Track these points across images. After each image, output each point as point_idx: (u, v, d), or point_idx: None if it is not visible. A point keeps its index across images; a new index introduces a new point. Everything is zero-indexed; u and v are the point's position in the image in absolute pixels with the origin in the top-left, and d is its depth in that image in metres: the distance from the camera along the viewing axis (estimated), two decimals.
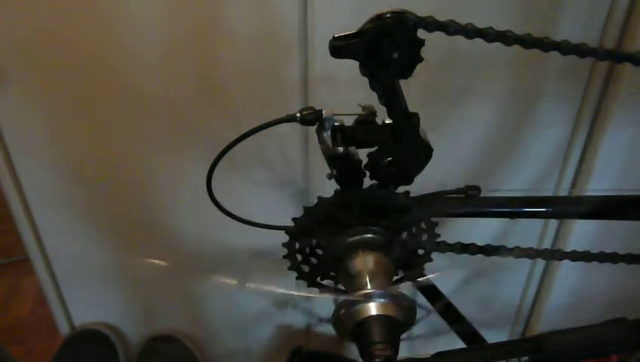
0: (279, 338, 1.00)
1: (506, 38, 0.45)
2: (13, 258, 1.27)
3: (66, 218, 0.82)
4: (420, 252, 0.58)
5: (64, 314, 0.93)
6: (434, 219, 0.56)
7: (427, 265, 0.59)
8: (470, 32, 0.45)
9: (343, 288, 0.56)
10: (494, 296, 1.00)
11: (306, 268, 0.58)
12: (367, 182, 0.54)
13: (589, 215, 0.62)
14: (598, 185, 0.83)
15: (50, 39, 0.67)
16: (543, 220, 0.90)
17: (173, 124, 0.75)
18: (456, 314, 0.64)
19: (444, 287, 0.66)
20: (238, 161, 0.73)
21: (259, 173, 0.80)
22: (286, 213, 0.55)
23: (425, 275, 0.61)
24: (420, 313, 0.50)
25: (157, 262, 0.89)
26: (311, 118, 0.51)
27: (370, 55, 0.45)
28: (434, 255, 0.58)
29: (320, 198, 0.53)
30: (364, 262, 0.51)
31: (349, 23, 0.45)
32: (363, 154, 0.53)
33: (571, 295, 0.98)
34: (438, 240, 0.57)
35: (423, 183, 0.55)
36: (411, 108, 0.49)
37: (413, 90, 0.49)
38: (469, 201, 0.57)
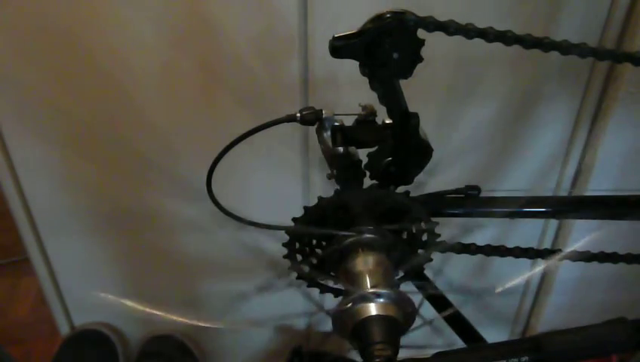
0: (279, 338, 1.00)
1: (506, 38, 0.45)
2: (13, 258, 1.27)
3: (67, 218, 0.82)
4: (420, 252, 0.58)
5: (64, 314, 0.93)
6: (434, 219, 0.56)
7: (427, 265, 0.60)
8: (470, 32, 0.45)
9: (343, 288, 0.56)
10: (494, 296, 1.00)
11: (306, 268, 0.58)
12: (367, 182, 0.54)
13: (589, 215, 0.62)
14: (598, 185, 0.83)
15: (49, 37, 0.67)
16: (543, 220, 0.90)
17: (173, 125, 0.75)
18: (457, 314, 0.64)
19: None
20: (238, 162, 0.73)
21: (258, 174, 0.80)
22: (286, 213, 0.55)
23: (425, 275, 0.61)
24: (418, 321, 0.50)
25: (157, 262, 0.89)
26: (311, 118, 0.51)
27: (370, 55, 0.45)
28: (434, 255, 0.58)
29: (320, 198, 0.53)
30: (364, 262, 0.51)
31: (349, 23, 0.45)
32: (363, 154, 0.53)
33: (571, 295, 0.98)
34: (438, 240, 0.57)
35: (424, 183, 0.55)
36: (411, 109, 0.49)
37: (413, 90, 0.49)
38: (469, 201, 0.57)
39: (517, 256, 0.61)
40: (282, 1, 0.67)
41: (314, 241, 0.56)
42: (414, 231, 0.56)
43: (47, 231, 0.83)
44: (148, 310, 0.52)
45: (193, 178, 0.75)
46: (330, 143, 0.51)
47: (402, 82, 0.47)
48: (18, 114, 0.72)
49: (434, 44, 0.46)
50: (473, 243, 0.60)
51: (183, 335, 0.96)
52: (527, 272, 0.44)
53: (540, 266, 0.43)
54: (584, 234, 0.88)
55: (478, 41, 0.45)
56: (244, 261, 0.88)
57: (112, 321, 0.95)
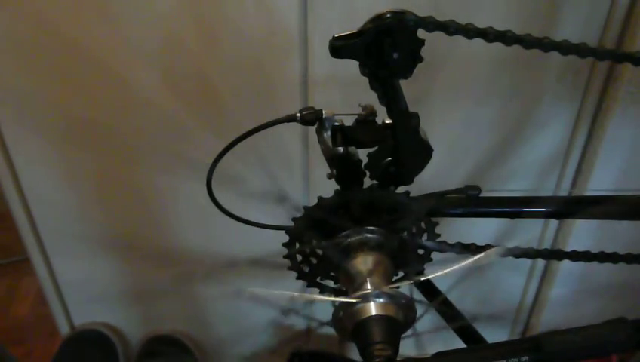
0: (279, 339, 1.00)
1: (506, 38, 0.45)
2: (13, 258, 1.27)
3: (67, 219, 0.82)
4: (420, 252, 0.58)
5: (64, 314, 0.93)
6: (434, 219, 0.55)
7: (427, 265, 0.60)
8: (470, 32, 0.45)
9: (342, 288, 0.56)
10: (494, 296, 1.00)
11: (305, 268, 0.58)
12: (367, 182, 0.54)
13: (589, 215, 0.62)
14: (598, 185, 0.83)
15: (51, 39, 0.67)
16: (542, 220, 0.90)
17: (173, 125, 0.75)
18: (456, 313, 0.64)
19: (444, 287, 0.66)
20: (237, 162, 0.73)
21: (258, 174, 0.80)
22: (286, 214, 0.55)
23: (425, 275, 0.61)
24: (420, 310, 0.50)
25: (157, 262, 0.89)
26: (311, 118, 0.51)
27: (370, 55, 0.45)
28: (434, 255, 0.58)
29: (320, 198, 0.53)
30: (364, 262, 0.51)
31: (349, 23, 0.45)
32: (363, 154, 0.53)
33: (571, 295, 0.98)
34: (438, 240, 0.57)
35: (423, 183, 0.55)
36: (411, 109, 0.49)
37: (413, 90, 0.49)
38: (469, 201, 0.57)
39: (517, 256, 0.61)
40: (282, 1, 0.67)
41: (314, 241, 0.56)
42: (414, 231, 0.56)
43: (47, 232, 0.83)
44: None
45: (193, 179, 0.75)
46: (330, 143, 0.51)
47: (402, 82, 0.47)
48: (18, 114, 0.72)
49: (434, 44, 0.46)
50: (473, 243, 0.60)
51: (183, 335, 0.96)
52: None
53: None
54: (584, 234, 0.89)
55: (478, 41, 0.45)
56: (244, 261, 0.88)
57: (112, 321, 0.95)
